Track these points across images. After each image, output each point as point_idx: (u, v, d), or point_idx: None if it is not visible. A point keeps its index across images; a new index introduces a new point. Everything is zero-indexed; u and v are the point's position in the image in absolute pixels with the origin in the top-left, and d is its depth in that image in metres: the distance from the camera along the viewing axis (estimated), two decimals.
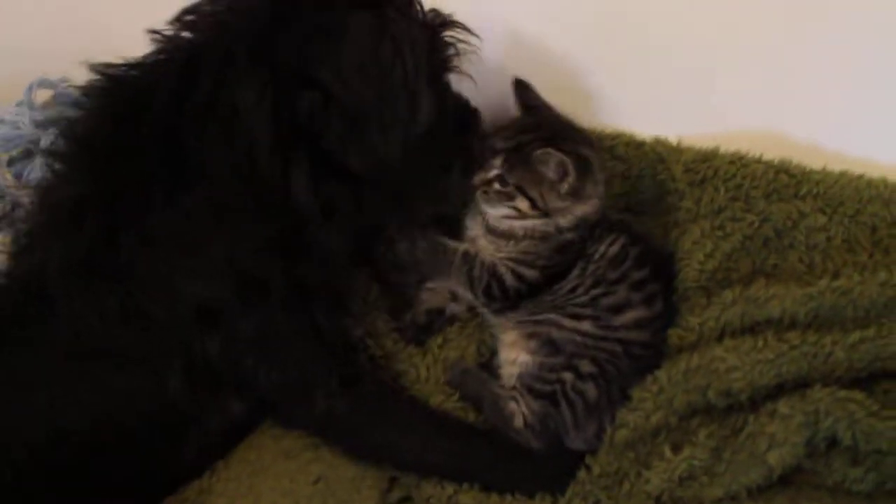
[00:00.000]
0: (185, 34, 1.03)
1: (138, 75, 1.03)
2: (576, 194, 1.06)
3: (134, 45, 1.05)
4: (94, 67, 1.04)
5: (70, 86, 1.49)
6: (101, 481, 1.05)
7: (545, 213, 1.07)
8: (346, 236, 1.06)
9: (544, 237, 1.08)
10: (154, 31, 1.04)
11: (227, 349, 1.00)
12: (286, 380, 1.04)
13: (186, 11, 1.04)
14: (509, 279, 1.08)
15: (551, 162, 1.04)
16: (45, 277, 0.99)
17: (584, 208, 1.08)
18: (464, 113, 1.14)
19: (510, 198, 1.07)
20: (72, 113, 1.14)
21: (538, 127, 1.10)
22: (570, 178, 1.05)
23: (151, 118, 0.99)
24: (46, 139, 1.39)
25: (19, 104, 1.50)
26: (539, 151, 1.05)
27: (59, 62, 1.44)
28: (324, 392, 1.04)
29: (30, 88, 1.50)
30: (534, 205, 1.07)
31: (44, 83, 1.51)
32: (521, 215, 1.07)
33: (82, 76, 1.09)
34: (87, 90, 1.06)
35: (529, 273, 1.07)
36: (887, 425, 0.89)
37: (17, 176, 1.41)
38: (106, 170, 1.02)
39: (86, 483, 1.04)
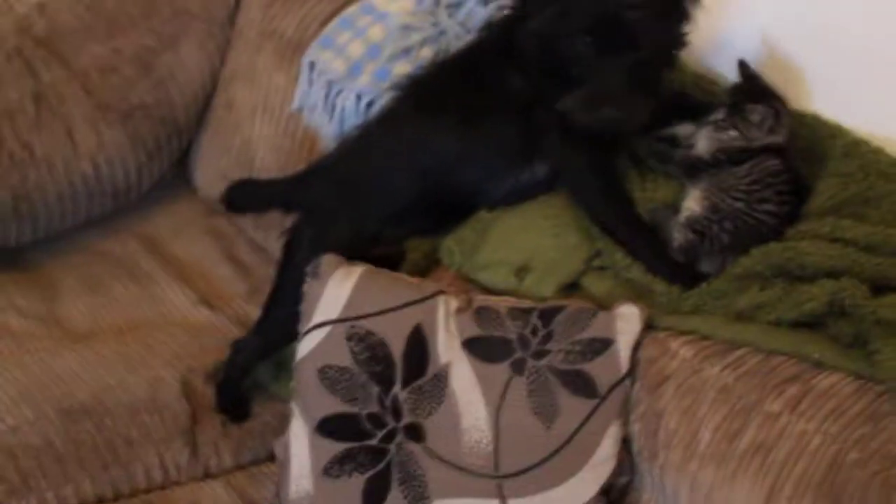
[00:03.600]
0: None
1: None
2: (771, 130, 1.77)
3: None
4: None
5: None
6: (451, 198, 1.90)
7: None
8: None
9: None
10: None
11: (543, 125, 1.80)
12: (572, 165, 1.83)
13: None
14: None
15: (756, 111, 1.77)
16: (477, 61, 1.87)
17: (774, 138, 1.77)
18: None
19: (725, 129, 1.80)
20: None
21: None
22: (770, 121, 1.76)
23: None
24: None
25: None
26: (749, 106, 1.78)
27: None
28: (592, 179, 1.80)
29: None
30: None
31: None
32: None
33: None
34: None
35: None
36: (872, 305, 1.55)
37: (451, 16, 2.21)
38: None
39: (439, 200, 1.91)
